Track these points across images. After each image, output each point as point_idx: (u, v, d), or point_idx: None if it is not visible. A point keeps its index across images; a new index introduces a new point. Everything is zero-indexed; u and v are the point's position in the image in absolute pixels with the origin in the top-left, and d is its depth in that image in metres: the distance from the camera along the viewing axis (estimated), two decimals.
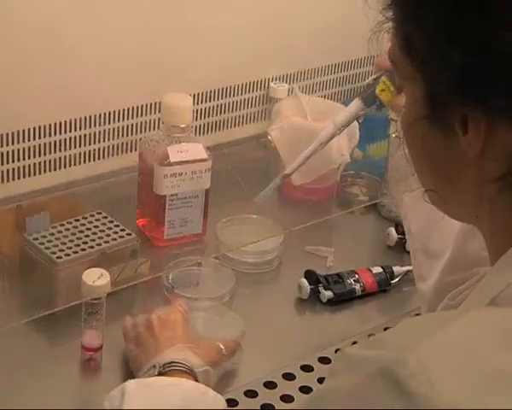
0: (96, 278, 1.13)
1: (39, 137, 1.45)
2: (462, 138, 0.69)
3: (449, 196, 0.75)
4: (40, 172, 1.47)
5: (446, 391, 0.57)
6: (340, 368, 0.63)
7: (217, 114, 1.66)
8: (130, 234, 1.29)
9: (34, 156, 1.45)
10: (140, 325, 1.15)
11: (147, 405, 0.98)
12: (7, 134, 1.41)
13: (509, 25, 0.65)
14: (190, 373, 1.06)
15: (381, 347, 0.61)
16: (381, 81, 1.10)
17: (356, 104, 1.14)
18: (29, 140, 1.44)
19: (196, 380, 1.06)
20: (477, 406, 0.57)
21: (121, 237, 1.28)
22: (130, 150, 1.56)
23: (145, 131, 1.56)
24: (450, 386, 0.57)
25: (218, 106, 1.66)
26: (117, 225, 1.30)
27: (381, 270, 1.38)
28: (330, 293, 1.32)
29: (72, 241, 1.25)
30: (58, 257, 1.22)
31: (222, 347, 1.14)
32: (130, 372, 1.13)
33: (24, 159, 1.44)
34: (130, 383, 1.01)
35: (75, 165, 1.51)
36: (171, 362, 1.06)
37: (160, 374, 1.05)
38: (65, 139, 1.48)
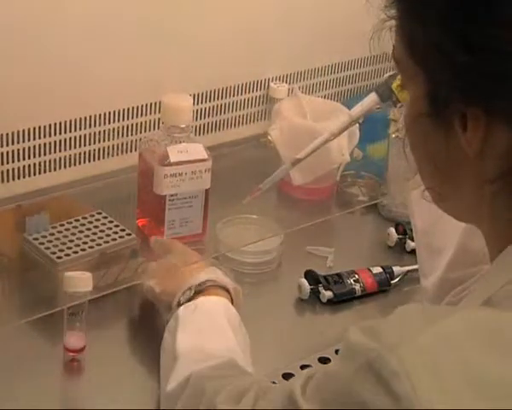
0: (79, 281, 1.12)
1: (39, 137, 1.45)
2: (462, 136, 0.70)
3: (449, 194, 0.76)
4: (40, 172, 1.47)
5: (424, 390, 0.59)
6: (342, 353, 0.68)
7: (217, 114, 1.66)
8: (130, 234, 1.29)
9: (34, 156, 1.45)
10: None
11: (196, 328, 1.06)
12: (7, 134, 1.41)
13: (509, 24, 0.65)
14: (224, 288, 1.14)
15: (373, 338, 0.64)
16: (397, 78, 1.09)
17: (372, 98, 1.13)
18: (29, 140, 1.44)
19: (230, 295, 1.14)
20: (453, 406, 0.59)
21: (121, 237, 1.28)
22: (131, 150, 1.56)
23: (145, 131, 1.56)
24: (428, 386, 0.59)
25: (218, 106, 1.66)
26: (117, 225, 1.30)
27: (381, 270, 1.37)
28: (330, 293, 1.32)
29: (72, 241, 1.25)
30: (58, 257, 1.22)
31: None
32: (128, 371, 1.13)
33: (24, 159, 1.44)
34: (180, 309, 1.08)
35: (75, 165, 1.51)
36: (206, 281, 1.13)
37: (196, 293, 1.11)
38: (65, 139, 1.48)
